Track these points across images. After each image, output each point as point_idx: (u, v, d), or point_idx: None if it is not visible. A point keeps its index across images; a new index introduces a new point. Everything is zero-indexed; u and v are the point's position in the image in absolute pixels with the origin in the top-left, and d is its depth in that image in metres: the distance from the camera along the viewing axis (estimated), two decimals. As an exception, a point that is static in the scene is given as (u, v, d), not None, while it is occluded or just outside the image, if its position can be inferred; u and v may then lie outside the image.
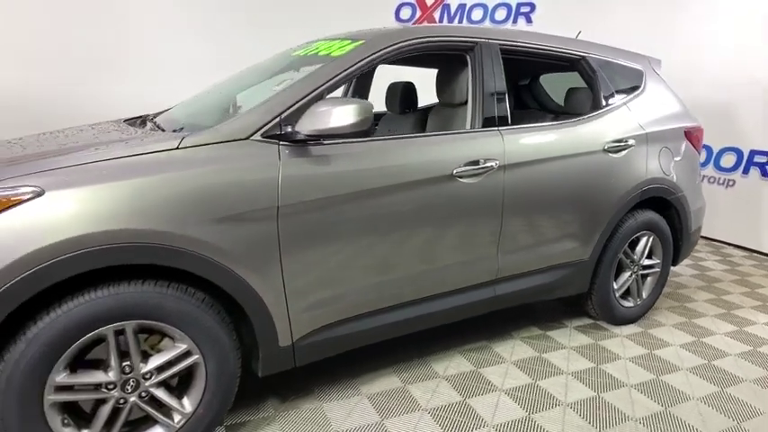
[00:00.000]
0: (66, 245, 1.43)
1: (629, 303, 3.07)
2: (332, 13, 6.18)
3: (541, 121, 2.81)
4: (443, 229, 2.20)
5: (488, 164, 2.25)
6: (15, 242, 1.40)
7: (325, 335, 2.01)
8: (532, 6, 6.20)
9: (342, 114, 1.76)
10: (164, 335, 1.71)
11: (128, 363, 1.64)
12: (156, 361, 1.68)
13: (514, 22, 6.32)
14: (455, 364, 2.55)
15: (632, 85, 3.02)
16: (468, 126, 2.36)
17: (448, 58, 2.55)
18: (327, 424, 2.05)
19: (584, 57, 2.81)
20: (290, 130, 1.80)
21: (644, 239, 3.01)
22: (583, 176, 2.62)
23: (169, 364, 1.70)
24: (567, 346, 2.80)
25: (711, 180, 5.17)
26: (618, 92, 2.91)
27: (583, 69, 2.84)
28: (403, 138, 2.14)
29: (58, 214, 1.45)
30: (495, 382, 2.40)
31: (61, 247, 1.43)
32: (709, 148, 5.17)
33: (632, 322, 3.12)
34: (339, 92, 2.71)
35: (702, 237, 4.22)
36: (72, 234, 1.44)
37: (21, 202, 1.42)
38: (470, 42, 2.37)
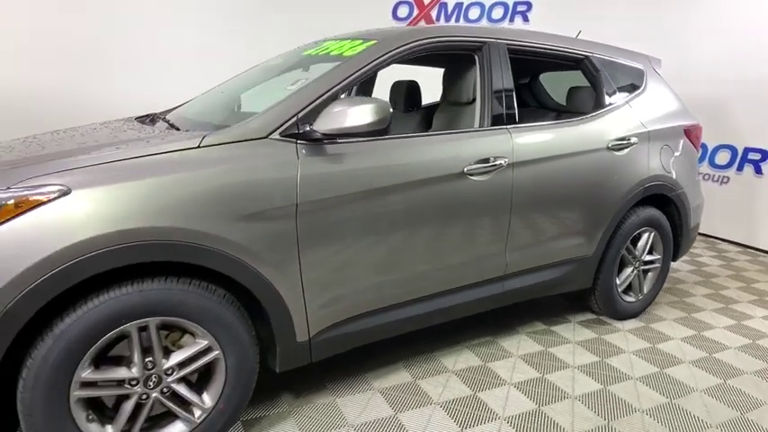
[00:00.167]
0: (93, 242, 1.45)
1: (630, 298, 3.13)
2: (330, 12, 6.20)
3: (544, 120, 2.85)
4: (455, 226, 2.24)
5: (498, 162, 2.29)
6: (44, 240, 1.42)
7: (339, 330, 2.04)
8: (529, 5, 6.25)
9: (360, 113, 1.79)
10: (184, 331, 1.73)
11: (150, 359, 1.66)
12: (177, 357, 1.71)
13: (511, 20, 6.37)
14: (463, 358, 2.59)
15: (634, 84, 3.07)
16: (476, 124, 2.40)
17: (455, 58, 2.58)
18: (342, 418, 2.08)
19: (587, 56, 2.86)
20: (307, 128, 1.83)
21: (645, 236, 3.07)
22: (588, 174, 2.67)
23: (190, 360, 1.72)
24: (572, 340, 2.85)
25: (706, 177, 5.25)
26: (620, 90, 2.96)
27: (586, 68, 2.89)
28: (415, 136, 2.18)
29: (85, 212, 1.47)
30: (503, 376, 2.45)
31: (88, 244, 1.45)
32: (704, 146, 5.25)
33: (634, 317, 3.18)
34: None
35: (698, 233, 4.29)
36: (99, 232, 1.46)
37: (48, 200, 1.44)
38: (479, 42, 2.41)
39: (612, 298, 3.02)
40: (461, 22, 6.47)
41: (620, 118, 2.87)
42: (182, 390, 1.74)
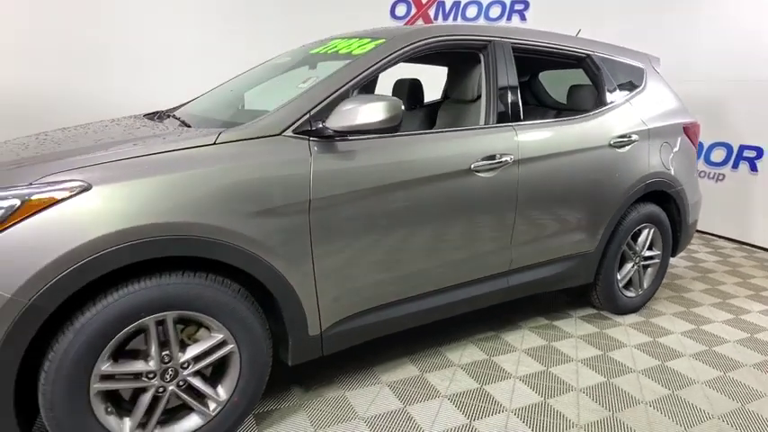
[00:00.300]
0: (114, 237, 1.48)
1: (631, 293, 3.19)
2: (328, 11, 6.22)
3: (544, 118, 2.90)
4: (463, 222, 2.28)
5: (504, 158, 2.33)
6: (66, 235, 1.44)
7: (350, 324, 2.07)
8: (526, 4, 6.30)
9: (373, 111, 1.82)
10: (200, 325, 1.76)
11: (167, 352, 1.68)
12: (193, 350, 1.73)
13: (508, 19, 6.42)
14: (468, 353, 2.63)
15: (634, 82, 3.12)
16: (481, 122, 2.43)
17: (460, 56, 2.62)
18: (353, 411, 2.11)
19: (589, 54, 2.91)
20: (320, 126, 1.86)
21: (645, 231, 3.12)
22: (591, 171, 2.72)
23: (206, 353, 1.75)
24: (574, 334, 2.90)
25: (702, 174, 5.32)
26: (621, 88, 3.01)
27: (588, 67, 2.93)
28: (424, 133, 2.22)
29: (105, 208, 1.50)
30: (508, 369, 2.49)
31: (110, 239, 1.48)
32: (699, 143, 5.31)
33: (634, 312, 3.24)
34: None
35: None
36: (119, 227, 1.49)
37: (70, 196, 1.46)
38: (485, 41, 2.45)
39: (613, 293, 3.07)
40: (459, 21, 6.51)
41: (622, 116, 2.92)
42: (197, 383, 1.77)
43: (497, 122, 2.41)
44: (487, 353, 2.64)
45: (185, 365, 1.73)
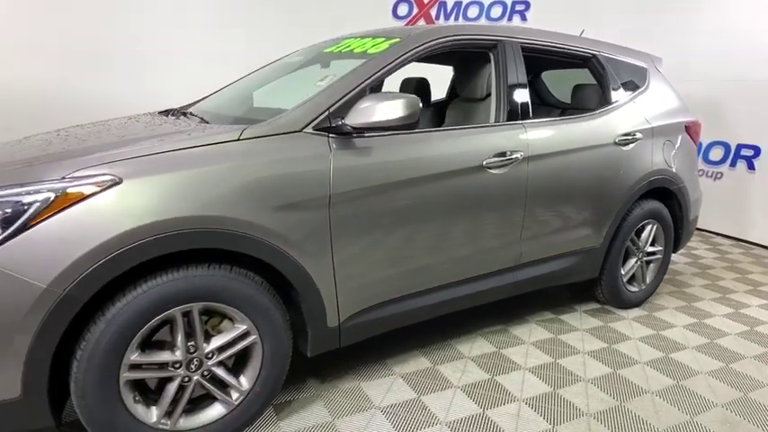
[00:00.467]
0: (145, 229, 1.52)
1: (634, 288, 3.25)
2: (330, 10, 6.27)
3: (550, 116, 2.96)
4: (475, 217, 2.33)
5: (514, 155, 2.38)
6: (99, 228, 1.48)
7: (367, 316, 2.12)
8: (527, 4, 6.36)
9: (392, 108, 1.87)
10: (223, 317, 1.81)
11: (192, 343, 1.73)
12: (217, 341, 1.78)
13: (509, 19, 6.48)
14: (478, 345, 2.69)
15: (638, 82, 3.19)
16: (492, 120, 2.49)
17: (470, 55, 2.68)
18: (368, 401, 2.17)
19: (595, 54, 2.97)
20: (339, 122, 1.91)
21: (648, 227, 3.19)
22: (597, 168, 2.78)
23: (229, 344, 1.80)
24: (580, 328, 2.96)
25: (700, 173, 5.39)
26: (625, 88, 3.07)
27: (593, 66, 3.00)
28: (438, 131, 2.27)
29: (136, 201, 1.54)
30: (518, 361, 2.55)
31: (140, 231, 1.52)
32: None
33: (637, 306, 3.31)
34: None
35: (694, 226, 4.44)
36: (150, 220, 1.53)
37: (102, 190, 1.51)
38: (496, 40, 2.50)
39: (618, 288, 3.14)
40: (461, 21, 6.57)
41: (626, 114, 2.99)
42: (221, 373, 1.81)
43: (507, 120, 2.47)
44: (496, 345, 2.70)
45: (210, 356, 1.77)
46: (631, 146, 2.93)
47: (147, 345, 1.69)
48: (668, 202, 3.27)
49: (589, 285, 3.20)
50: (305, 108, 1.93)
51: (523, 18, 6.39)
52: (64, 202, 1.47)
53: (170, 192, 1.59)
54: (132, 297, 1.57)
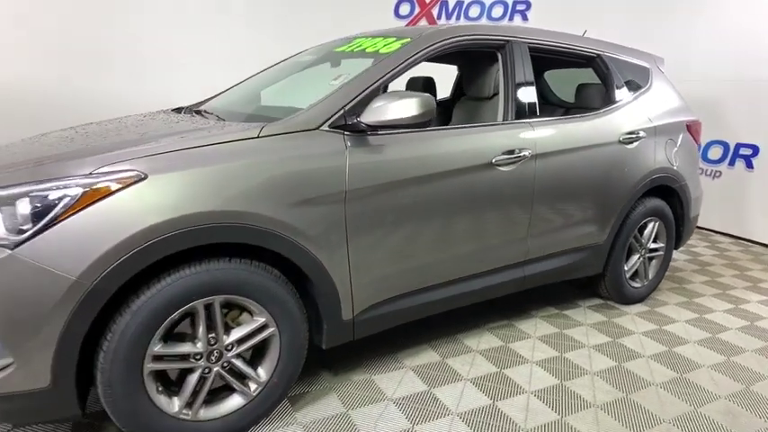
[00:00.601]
0: (168, 224, 1.57)
1: (636, 284, 3.31)
2: (332, 10, 6.31)
3: (554, 115, 3.01)
4: (484, 213, 2.38)
5: (522, 153, 2.44)
6: (125, 222, 1.53)
7: (380, 310, 2.17)
8: (528, 4, 6.42)
9: (407, 106, 1.92)
10: (242, 309, 1.85)
11: (212, 335, 1.78)
12: (237, 333, 1.82)
13: (510, 19, 6.54)
14: (485, 340, 2.74)
15: (640, 81, 3.24)
16: (500, 118, 2.54)
17: (477, 55, 2.73)
18: (381, 393, 2.22)
19: (599, 54, 3.03)
20: (354, 120, 1.96)
21: (651, 225, 3.25)
22: (602, 165, 2.84)
23: (248, 336, 1.84)
24: (584, 323, 3.02)
25: (699, 171, 5.45)
26: (628, 87, 3.13)
27: (598, 66, 3.05)
28: (449, 129, 2.32)
29: (161, 196, 1.58)
30: (525, 354, 2.60)
31: (164, 226, 1.56)
32: (697, 142, 5.46)
33: (639, 301, 3.37)
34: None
35: (694, 224, 4.50)
36: (173, 215, 1.58)
37: (128, 185, 1.55)
38: (504, 40, 2.55)
39: (621, 283, 3.20)
40: (462, 21, 6.62)
41: (630, 113, 3.04)
42: (240, 364, 1.86)
43: (515, 119, 2.52)
44: (503, 340, 2.75)
45: (229, 347, 1.82)
46: (635, 144, 2.99)
47: (170, 337, 1.73)
48: (670, 199, 3.32)
49: (591, 281, 3.25)
50: (321, 106, 1.97)
51: (524, 18, 6.45)
52: (92, 197, 1.51)
53: (193, 187, 1.63)
54: (157, 290, 1.61)
